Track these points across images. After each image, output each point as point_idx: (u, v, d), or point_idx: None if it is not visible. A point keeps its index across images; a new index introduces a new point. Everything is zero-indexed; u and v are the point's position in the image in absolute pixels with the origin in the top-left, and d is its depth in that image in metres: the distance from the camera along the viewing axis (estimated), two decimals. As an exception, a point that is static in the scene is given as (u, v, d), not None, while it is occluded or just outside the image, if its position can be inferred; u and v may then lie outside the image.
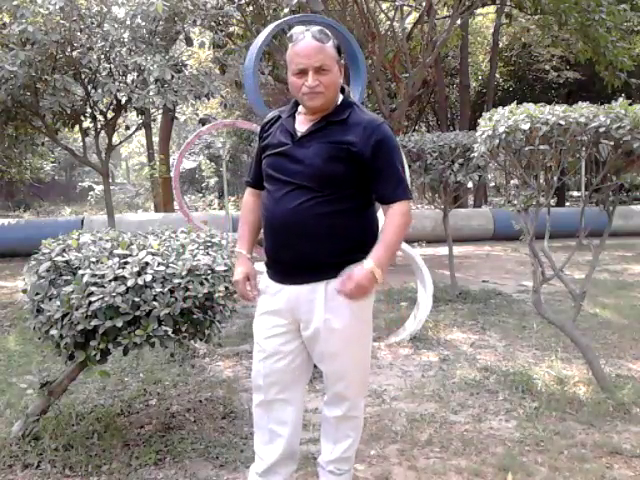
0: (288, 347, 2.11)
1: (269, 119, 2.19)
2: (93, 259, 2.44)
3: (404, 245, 4.54)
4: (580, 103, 3.07)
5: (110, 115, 6.71)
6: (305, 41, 1.95)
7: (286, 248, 2.04)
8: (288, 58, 2.01)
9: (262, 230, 2.18)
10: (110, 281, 2.32)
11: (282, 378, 2.12)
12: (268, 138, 2.13)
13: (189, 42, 7.10)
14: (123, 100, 6.39)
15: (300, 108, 2.10)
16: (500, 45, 16.07)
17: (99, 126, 6.73)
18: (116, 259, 2.42)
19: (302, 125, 2.06)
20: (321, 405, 2.66)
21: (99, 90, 5.83)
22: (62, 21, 5.58)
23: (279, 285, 2.10)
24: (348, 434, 2.23)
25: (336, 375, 2.15)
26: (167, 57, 5.96)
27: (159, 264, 2.40)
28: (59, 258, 2.48)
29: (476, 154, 3.42)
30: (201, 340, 2.66)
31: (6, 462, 2.57)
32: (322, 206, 1.97)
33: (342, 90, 2.08)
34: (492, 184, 23.41)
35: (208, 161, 19.97)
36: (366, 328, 2.15)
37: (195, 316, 2.46)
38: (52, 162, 20.53)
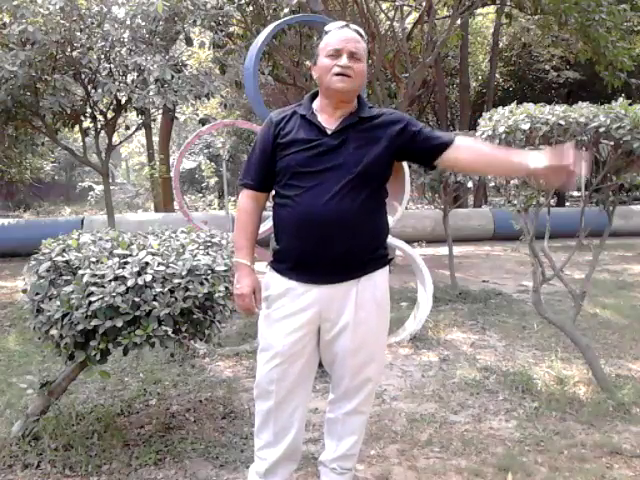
0: (306, 349, 2.10)
1: (283, 116, 2.11)
2: (93, 259, 2.44)
3: (404, 245, 4.54)
4: (580, 103, 3.07)
5: (110, 115, 6.72)
6: (344, 30, 2.03)
7: (326, 246, 1.99)
8: (322, 45, 2.05)
9: (270, 231, 2.16)
10: (110, 281, 2.32)
11: (296, 381, 2.11)
12: (289, 135, 2.06)
13: (189, 42, 7.10)
14: (123, 100, 6.39)
15: (317, 105, 2.09)
16: (500, 45, 16.07)
17: (99, 126, 6.73)
18: (116, 259, 2.42)
19: (328, 121, 2.05)
20: (321, 405, 2.67)
21: (99, 90, 5.84)
22: (62, 21, 5.58)
23: (307, 286, 2.04)
24: (353, 431, 2.23)
25: (356, 369, 2.13)
26: (167, 57, 5.97)
27: (159, 264, 2.40)
28: (59, 258, 2.48)
29: (476, 154, 3.41)
30: (201, 340, 2.66)
31: (6, 462, 2.57)
32: (365, 202, 1.99)
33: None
34: (492, 184, 23.35)
35: (208, 161, 19.96)
36: (386, 320, 2.19)
37: (195, 316, 2.46)
38: (52, 162, 20.56)
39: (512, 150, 1.98)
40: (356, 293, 2.04)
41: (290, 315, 2.06)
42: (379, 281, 2.09)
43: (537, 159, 1.85)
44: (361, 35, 2.05)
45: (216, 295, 2.47)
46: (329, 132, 2.02)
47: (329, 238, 1.98)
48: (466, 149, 2.02)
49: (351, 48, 1.99)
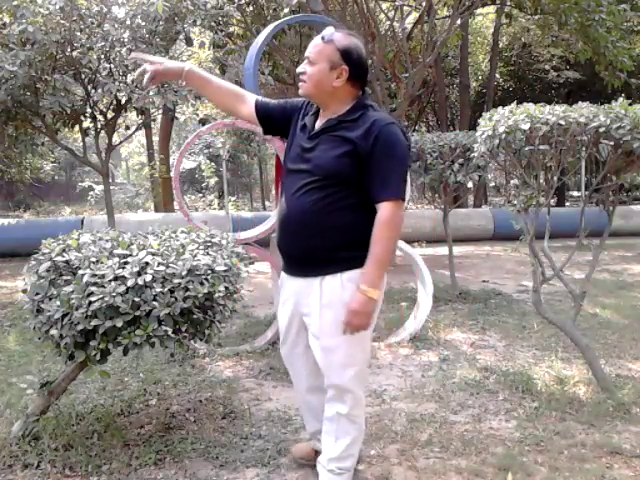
0: (300, 337, 2.30)
1: (311, 105, 2.22)
2: (93, 259, 2.44)
3: (404, 245, 4.54)
4: (580, 103, 3.07)
5: (110, 115, 6.71)
6: (316, 38, 2.11)
7: (289, 240, 2.18)
8: None
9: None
10: (110, 281, 2.32)
11: (296, 363, 2.41)
12: (297, 126, 2.21)
13: (189, 42, 7.09)
14: (123, 100, 6.39)
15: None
16: (500, 45, 16.07)
17: (99, 126, 6.73)
18: (116, 259, 2.42)
19: (318, 124, 2.14)
20: (321, 405, 2.67)
21: (99, 90, 5.83)
22: (62, 21, 5.58)
23: (287, 277, 2.28)
24: (348, 431, 2.23)
25: (331, 369, 2.18)
26: (167, 57, 5.96)
27: (159, 264, 2.40)
28: (59, 258, 2.48)
29: (476, 154, 3.42)
30: (201, 340, 2.66)
31: (6, 462, 2.57)
32: (321, 202, 2.05)
33: (363, 92, 2.15)
34: (492, 184, 23.40)
35: (208, 161, 19.94)
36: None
37: (195, 316, 2.46)
38: (52, 162, 20.53)
39: (369, 258, 1.99)
40: (321, 290, 2.10)
41: (282, 303, 2.34)
42: (346, 284, 2.07)
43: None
44: (335, 38, 2.04)
45: (216, 295, 2.47)
46: (310, 134, 2.12)
47: (290, 234, 2.15)
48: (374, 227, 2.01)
49: (307, 53, 2.09)
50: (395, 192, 1.99)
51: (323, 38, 2.05)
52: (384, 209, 1.98)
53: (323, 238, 2.06)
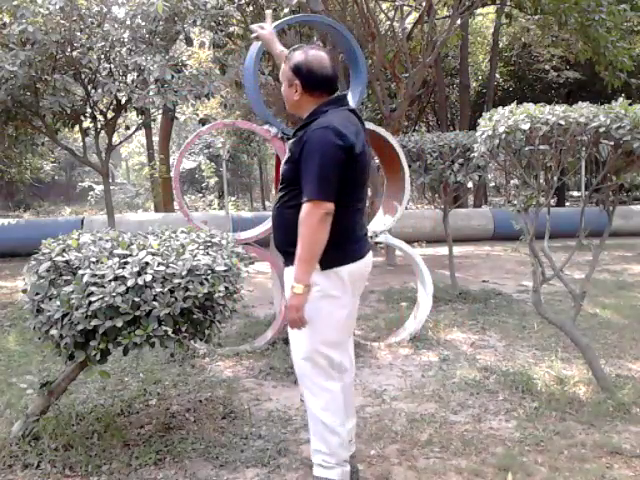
0: None
1: None
2: (93, 259, 2.44)
3: (404, 245, 4.53)
4: (580, 103, 3.07)
5: (110, 115, 6.72)
6: None
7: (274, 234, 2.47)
8: None
9: (270, 231, 2.44)
10: (110, 281, 2.32)
11: None
12: None
13: (189, 42, 7.09)
14: (123, 100, 6.39)
15: None
16: (500, 45, 16.07)
17: (99, 126, 6.73)
18: (116, 259, 2.42)
19: None
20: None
21: (99, 90, 5.84)
22: (62, 21, 5.58)
23: None
24: (311, 423, 2.32)
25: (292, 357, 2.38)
26: (167, 57, 5.96)
27: (159, 264, 2.40)
28: (59, 258, 2.48)
29: (476, 154, 3.42)
30: (201, 340, 2.66)
31: (6, 462, 2.57)
32: (280, 202, 2.31)
33: (334, 101, 2.29)
34: (492, 184, 23.40)
35: (208, 161, 19.95)
36: (313, 315, 2.19)
37: (195, 316, 2.46)
38: (52, 162, 20.54)
39: (296, 255, 2.16)
40: (287, 279, 2.30)
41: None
42: (291, 278, 2.21)
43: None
44: (291, 57, 2.29)
45: (216, 295, 2.47)
46: None
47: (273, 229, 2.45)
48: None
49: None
50: (310, 193, 2.11)
51: (286, 58, 2.32)
52: (302, 209, 2.12)
53: (280, 234, 2.35)
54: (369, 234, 2.55)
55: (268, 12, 2.95)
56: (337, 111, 2.24)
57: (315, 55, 2.27)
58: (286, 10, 7.54)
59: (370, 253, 2.39)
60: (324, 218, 2.09)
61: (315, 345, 2.25)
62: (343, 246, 2.23)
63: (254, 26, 2.85)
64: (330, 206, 2.10)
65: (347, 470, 2.30)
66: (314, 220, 2.09)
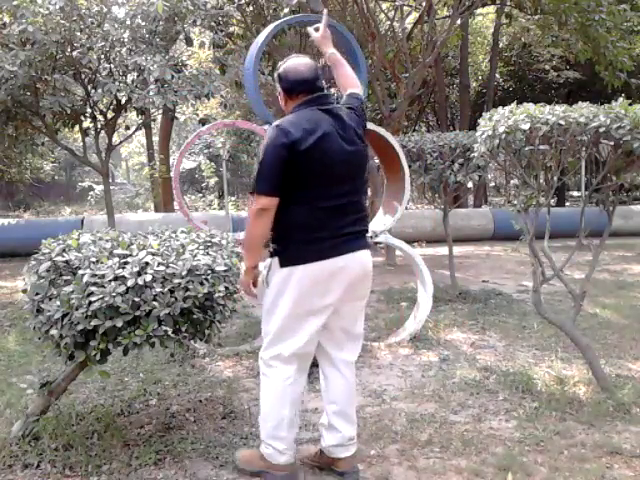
0: None
1: None
2: (93, 259, 2.44)
3: (404, 245, 4.53)
4: (580, 103, 3.07)
5: (110, 115, 6.71)
6: None
7: None
8: None
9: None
10: (110, 281, 2.32)
11: None
12: None
13: (189, 42, 7.09)
14: (123, 100, 6.39)
15: None
16: (500, 45, 16.06)
17: (99, 126, 6.73)
18: (116, 259, 2.42)
19: None
20: (321, 405, 2.68)
21: (99, 90, 5.83)
22: (62, 21, 5.57)
23: None
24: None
25: None
26: (167, 57, 5.96)
27: (159, 264, 2.40)
28: (59, 258, 2.48)
29: (476, 154, 3.42)
30: (201, 340, 2.66)
31: (6, 462, 2.57)
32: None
33: (307, 102, 2.35)
34: (492, 184, 23.40)
35: (208, 161, 19.93)
36: (267, 302, 2.38)
37: (195, 316, 2.46)
38: (52, 162, 20.53)
39: None
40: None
41: None
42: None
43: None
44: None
45: (216, 295, 2.47)
46: None
47: None
48: None
49: None
50: (252, 188, 2.26)
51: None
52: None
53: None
54: (369, 234, 2.53)
55: (325, 11, 2.94)
56: (303, 111, 2.31)
57: (293, 61, 2.41)
58: (286, 10, 7.55)
59: (353, 254, 2.31)
60: (259, 213, 2.21)
61: (267, 333, 2.41)
62: (299, 245, 2.26)
63: (310, 28, 2.89)
64: (265, 202, 2.20)
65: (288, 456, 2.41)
66: (250, 214, 2.27)
